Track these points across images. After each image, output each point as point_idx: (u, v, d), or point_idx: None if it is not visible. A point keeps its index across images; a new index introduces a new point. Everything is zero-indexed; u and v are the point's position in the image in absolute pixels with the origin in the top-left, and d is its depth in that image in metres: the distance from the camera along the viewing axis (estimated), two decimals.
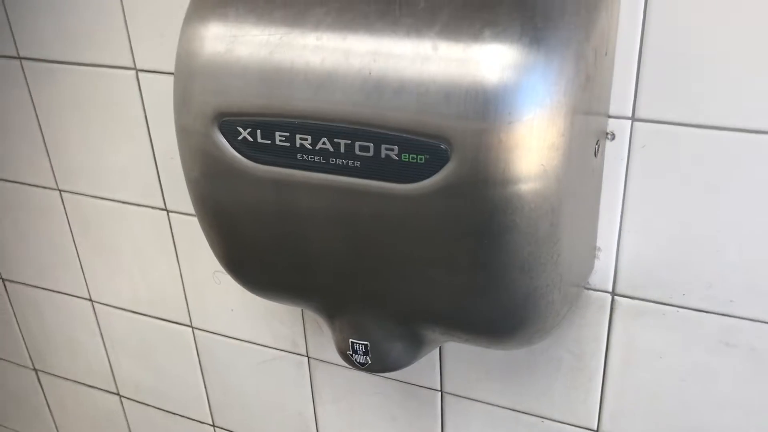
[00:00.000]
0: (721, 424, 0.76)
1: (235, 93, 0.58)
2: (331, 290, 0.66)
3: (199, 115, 0.60)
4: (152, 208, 0.98)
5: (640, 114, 0.66)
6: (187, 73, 0.61)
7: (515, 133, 0.52)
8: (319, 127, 0.56)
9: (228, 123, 0.59)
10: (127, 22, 0.86)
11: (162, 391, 1.16)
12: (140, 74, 0.88)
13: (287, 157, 0.58)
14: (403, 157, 0.54)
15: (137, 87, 0.89)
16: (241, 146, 0.60)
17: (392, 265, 0.60)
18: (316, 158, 0.57)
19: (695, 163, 0.65)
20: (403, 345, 0.68)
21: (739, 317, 0.70)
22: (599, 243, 0.73)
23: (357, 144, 0.55)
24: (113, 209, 1.01)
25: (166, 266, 1.02)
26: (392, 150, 0.54)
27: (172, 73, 0.63)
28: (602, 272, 0.74)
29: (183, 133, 0.63)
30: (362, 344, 0.68)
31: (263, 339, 1.00)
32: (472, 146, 0.52)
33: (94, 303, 1.13)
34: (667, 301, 0.73)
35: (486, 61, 0.51)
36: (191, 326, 1.06)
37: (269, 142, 0.58)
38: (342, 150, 0.56)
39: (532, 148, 0.52)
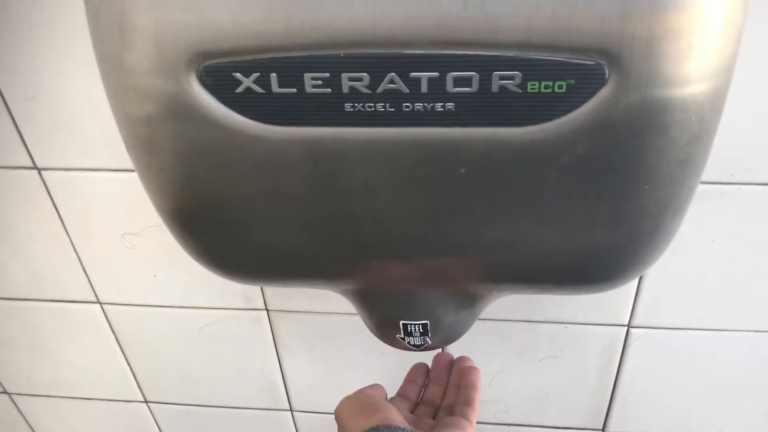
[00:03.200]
0: None
1: (226, 17, 0.35)
2: (382, 272, 0.47)
3: (160, 60, 0.36)
4: (12, 168, 0.70)
5: None
6: None
7: (708, 25, 0.34)
8: (383, 57, 0.35)
9: (215, 69, 0.36)
10: None
11: (66, 379, 0.92)
12: None
13: (328, 110, 0.37)
14: (529, 87, 0.35)
15: None
16: (242, 102, 0.37)
17: (497, 233, 0.42)
18: (379, 106, 0.36)
19: None
20: (466, 312, 0.52)
21: None
22: None
23: (450, 77, 0.35)
24: None
25: (48, 238, 0.76)
26: (511, 79, 0.35)
27: None
28: None
29: (122, 86, 0.38)
30: (419, 325, 0.51)
31: (203, 301, 0.79)
32: (644, 55, 0.34)
33: None
34: (727, 181, 0.62)
35: None
36: (98, 302, 0.82)
37: (294, 90, 0.36)
38: (424, 89, 0.35)
39: (726, 45, 0.35)
